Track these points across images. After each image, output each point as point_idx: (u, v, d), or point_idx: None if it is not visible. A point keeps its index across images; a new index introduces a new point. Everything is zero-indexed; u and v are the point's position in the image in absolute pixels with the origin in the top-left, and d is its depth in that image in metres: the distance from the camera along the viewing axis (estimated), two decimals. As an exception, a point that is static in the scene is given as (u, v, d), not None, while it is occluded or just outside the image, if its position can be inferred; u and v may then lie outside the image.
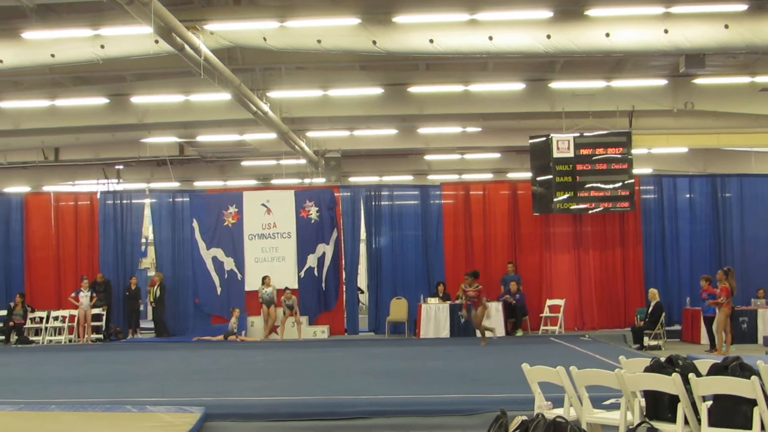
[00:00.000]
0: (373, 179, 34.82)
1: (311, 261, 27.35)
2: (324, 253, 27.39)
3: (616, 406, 9.17)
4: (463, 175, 35.46)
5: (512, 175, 33.28)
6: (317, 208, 27.54)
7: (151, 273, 31.07)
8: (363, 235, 28.33)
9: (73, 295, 26.53)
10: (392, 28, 18.72)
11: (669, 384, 8.04)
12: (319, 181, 32.97)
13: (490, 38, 18.59)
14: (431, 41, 18.77)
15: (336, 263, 27.57)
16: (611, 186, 25.91)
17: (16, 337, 26.41)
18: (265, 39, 18.91)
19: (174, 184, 33.37)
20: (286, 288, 26.26)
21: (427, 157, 34.53)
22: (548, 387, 9.20)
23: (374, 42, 18.75)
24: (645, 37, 18.56)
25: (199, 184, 35.52)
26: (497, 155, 33.71)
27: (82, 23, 18.77)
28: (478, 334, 22.92)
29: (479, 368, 17.03)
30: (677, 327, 25.38)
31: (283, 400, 12.01)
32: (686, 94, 25.03)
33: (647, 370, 8.62)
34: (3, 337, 26.75)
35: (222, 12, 19.08)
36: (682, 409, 7.95)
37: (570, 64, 23.90)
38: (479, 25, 18.55)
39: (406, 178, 35.76)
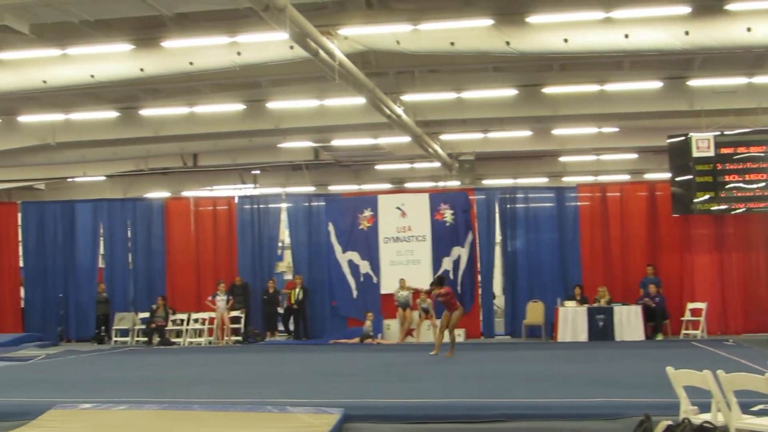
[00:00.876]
0: (507, 181, 34.55)
1: (446, 264, 27.29)
2: (459, 256, 27.31)
3: (766, 412, 8.88)
4: (599, 176, 34.91)
5: (650, 176, 32.63)
6: (452, 211, 27.48)
7: (288, 277, 31.44)
8: (498, 237, 28.16)
9: (210, 298, 27.05)
10: (526, 28, 18.52)
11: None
12: (453, 184, 32.87)
13: (626, 36, 18.21)
14: (566, 41, 18.50)
15: (471, 266, 27.44)
16: (754, 186, 25.16)
17: (158, 339, 27.04)
18: (398, 42, 18.92)
19: (309, 189, 33.72)
20: (423, 291, 26.26)
21: (562, 159, 34.12)
22: (693, 392, 8.96)
23: (507, 43, 18.59)
24: (789, 31, 17.98)
25: (333, 188, 35.81)
26: (634, 156, 33.12)
27: (220, 31, 19.07)
28: (445, 339, 21.38)
29: (620, 372, 16.72)
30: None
31: (422, 402, 11.97)
32: (832, 89, 24.15)
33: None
34: (146, 339, 27.46)
35: (355, 16, 19.11)
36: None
37: (709, 60, 23.22)
38: (615, 23, 18.19)
39: (541, 180, 35.41)
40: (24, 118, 26.49)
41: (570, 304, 25.59)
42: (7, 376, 18.37)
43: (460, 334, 26.30)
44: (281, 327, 28.51)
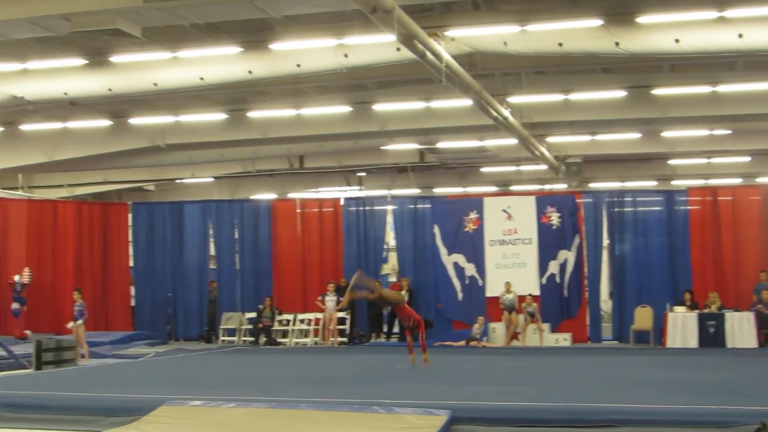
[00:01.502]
0: (615, 185, 34.10)
1: (553, 267, 27.03)
2: (566, 260, 27.01)
3: None
4: (710, 180, 34.26)
5: (763, 180, 31.89)
6: (559, 214, 27.21)
7: (392, 279, 31.48)
8: (605, 241, 27.81)
9: (319, 298, 27.20)
10: (636, 28, 18.25)
11: None
12: (560, 186, 32.59)
13: (740, 36, 17.81)
14: (677, 41, 18.16)
15: (578, 270, 27.11)
16: None
17: (264, 339, 27.31)
18: (505, 44, 18.82)
19: (414, 191, 33.74)
20: (528, 294, 26.07)
21: (672, 162, 33.58)
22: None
23: (617, 43, 18.34)
24: None
25: (438, 191, 35.82)
26: (747, 159, 32.43)
27: (327, 33, 19.20)
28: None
29: (733, 379, 16.32)
30: None
31: (530, 405, 11.82)
32: None
33: None
34: (252, 339, 27.75)
35: (462, 18, 19.05)
36: None
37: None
38: (728, 23, 17.78)
39: (650, 184, 34.89)
40: (135, 121, 27.02)
41: (680, 309, 25.12)
42: (119, 373, 18.73)
43: (567, 339, 26.09)
44: (385, 328, 28.52)
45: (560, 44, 18.60)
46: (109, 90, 21.74)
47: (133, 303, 30.75)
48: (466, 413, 11.19)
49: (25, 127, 27.77)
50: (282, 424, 10.90)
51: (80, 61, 20.85)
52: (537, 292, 26.72)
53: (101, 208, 31.28)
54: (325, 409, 11.44)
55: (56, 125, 27.59)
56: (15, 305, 27.54)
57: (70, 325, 22.67)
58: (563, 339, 26.22)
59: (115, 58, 20.67)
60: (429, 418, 10.81)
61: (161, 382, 15.99)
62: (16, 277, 27.62)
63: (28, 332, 26.92)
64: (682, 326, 24.73)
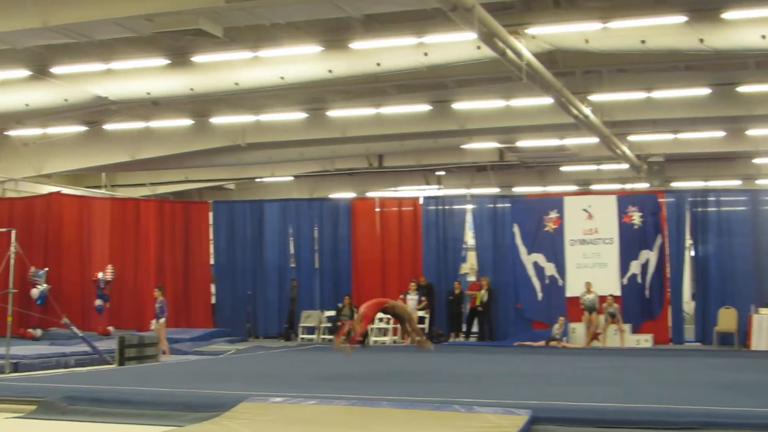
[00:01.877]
0: (698, 184, 33.60)
1: (634, 268, 26.71)
2: (647, 260, 26.67)
3: None
4: (798, 179, 33.65)
5: None
6: (640, 214, 26.88)
7: (471, 278, 31.39)
8: (688, 241, 27.42)
9: (401, 297, 27.18)
10: (721, 24, 17.93)
11: None
12: (642, 186, 32.20)
13: (830, 31, 17.47)
14: (763, 37, 17.80)
15: (660, 270, 26.75)
16: None
17: (343, 337, 27.30)
18: (586, 41, 18.63)
19: (494, 190, 33.58)
20: (609, 295, 25.80)
21: (756, 161, 32.97)
22: None
23: (701, 40, 18.05)
24: None
25: (518, 190, 35.62)
26: (833, 157, 31.78)
27: (407, 32, 19.20)
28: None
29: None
30: None
31: (612, 406, 11.66)
32: None
33: None
34: (331, 337, 27.81)
35: (543, 15, 18.92)
36: None
37: None
38: (817, 18, 17.48)
39: (734, 183, 34.31)
40: (216, 120, 27.32)
41: (765, 311, 24.67)
42: (200, 369, 18.95)
43: (648, 340, 25.78)
44: (464, 328, 28.43)
45: (643, 41, 18.37)
46: (191, 89, 21.98)
47: (213, 300, 31.06)
48: (547, 413, 11.09)
49: (108, 126, 28.23)
50: (362, 422, 10.90)
51: (163, 61, 21.13)
52: (618, 293, 26.41)
53: (182, 206, 31.62)
54: (405, 408, 11.43)
55: (139, 125, 28.01)
56: (98, 302, 27.97)
57: (153, 324, 23.00)
58: (644, 340, 25.89)
59: (197, 58, 20.89)
60: (510, 417, 10.73)
61: (242, 379, 16.13)
62: (100, 275, 28.03)
63: (110, 329, 27.36)
64: (767, 329, 24.29)
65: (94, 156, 30.07)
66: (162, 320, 22.40)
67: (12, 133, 29.24)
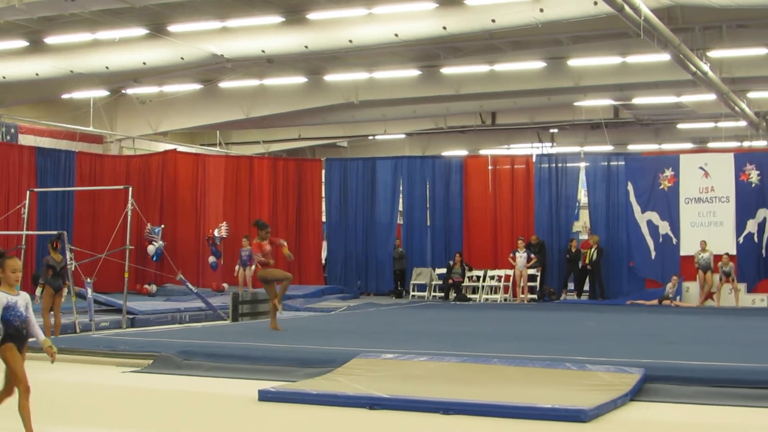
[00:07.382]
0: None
1: (751, 226, 26.15)
2: (765, 219, 26.03)
3: None
4: None
5: None
6: (758, 172, 26.24)
7: (583, 236, 31.12)
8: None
9: (511, 255, 27.14)
10: None
11: None
12: (760, 143, 31.48)
13: None
14: None
15: (777, 229, 26.22)
16: None
17: (454, 295, 27.46)
18: (707, -5, 18.26)
19: (608, 148, 33.17)
20: (725, 254, 25.35)
21: None
22: None
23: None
24: None
25: (632, 148, 35.14)
26: None
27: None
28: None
29: None
30: None
31: (726, 366, 11.49)
32: None
33: None
34: (442, 294, 27.96)
35: (662, -31, 18.61)
36: None
37: None
38: None
39: None
40: (329, 77, 27.45)
41: None
42: (313, 325, 19.22)
43: (764, 299, 25.29)
44: (571, 286, 28.25)
45: (764, -5, 17.93)
46: (306, 47, 22.13)
47: (323, 257, 31.36)
48: (660, 372, 11.02)
49: (223, 84, 28.61)
50: (473, 378, 10.97)
51: (278, 19, 21.30)
52: (733, 252, 25.90)
53: (295, 163, 31.93)
54: (516, 365, 11.47)
55: (253, 82, 28.32)
56: (212, 259, 28.49)
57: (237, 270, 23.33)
58: (760, 300, 25.42)
59: (311, 16, 20.99)
60: (622, 376, 10.70)
61: (354, 335, 16.31)
62: (215, 232, 28.52)
63: (225, 285, 27.88)
64: None
65: (209, 114, 30.57)
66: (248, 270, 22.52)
67: (130, 91, 29.85)
